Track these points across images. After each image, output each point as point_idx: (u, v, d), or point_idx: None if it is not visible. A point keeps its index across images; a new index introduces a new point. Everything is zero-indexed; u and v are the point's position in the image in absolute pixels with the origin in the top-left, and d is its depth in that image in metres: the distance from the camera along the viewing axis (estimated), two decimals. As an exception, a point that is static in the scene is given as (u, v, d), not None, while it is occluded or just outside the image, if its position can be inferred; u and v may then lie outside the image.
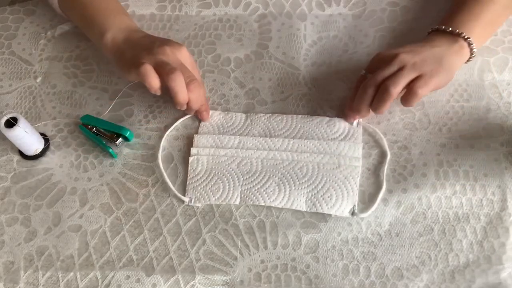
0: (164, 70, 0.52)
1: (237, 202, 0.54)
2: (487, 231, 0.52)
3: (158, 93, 0.54)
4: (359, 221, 0.53)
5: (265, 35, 0.67)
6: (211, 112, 0.60)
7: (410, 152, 0.57)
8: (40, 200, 0.56)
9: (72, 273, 0.52)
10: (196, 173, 0.56)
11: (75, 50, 0.67)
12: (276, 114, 0.59)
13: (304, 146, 0.57)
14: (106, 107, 0.62)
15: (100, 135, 0.59)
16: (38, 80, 0.65)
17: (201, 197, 0.55)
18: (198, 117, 0.60)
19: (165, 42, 0.55)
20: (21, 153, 0.59)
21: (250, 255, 0.52)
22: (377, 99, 0.53)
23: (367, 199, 0.54)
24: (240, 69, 0.64)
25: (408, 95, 0.52)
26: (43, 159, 0.59)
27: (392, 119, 0.59)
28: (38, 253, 0.54)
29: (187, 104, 0.55)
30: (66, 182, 0.57)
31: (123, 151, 0.59)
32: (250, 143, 0.57)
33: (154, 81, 0.52)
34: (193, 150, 0.57)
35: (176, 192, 0.55)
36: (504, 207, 0.53)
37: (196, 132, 0.59)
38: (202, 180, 0.56)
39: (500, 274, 0.50)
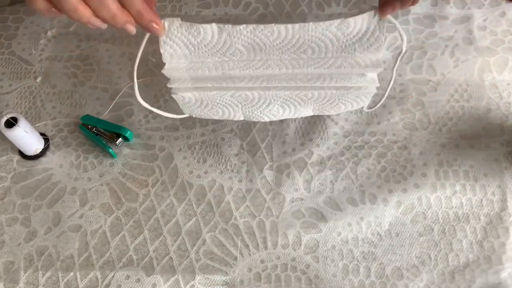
0: None
1: (242, 118, 0.49)
2: (487, 231, 0.52)
3: (53, 14, 0.40)
4: (359, 221, 0.53)
5: (265, 35, 0.66)
6: (166, 24, 0.42)
7: (410, 152, 0.57)
8: (40, 200, 0.56)
9: (72, 273, 0.52)
10: (192, 104, 0.48)
11: (75, 50, 0.67)
12: (263, 26, 0.42)
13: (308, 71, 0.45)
14: (106, 107, 0.62)
15: (100, 135, 0.59)
16: (38, 80, 0.65)
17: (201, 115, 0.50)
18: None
19: None
20: (21, 153, 0.59)
21: (250, 255, 0.52)
22: None
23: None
24: (240, 69, 0.64)
25: None
26: (43, 159, 0.59)
27: (392, 119, 0.59)
28: (38, 253, 0.54)
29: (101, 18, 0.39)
30: (66, 182, 0.57)
31: (123, 151, 0.59)
32: (235, 69, 0.45)
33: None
34: (173, 91, 0.47)
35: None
36: (504, 207, 0.53)
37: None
38: (197, 106, 0.48)
39: (500, 274, 0.50)
